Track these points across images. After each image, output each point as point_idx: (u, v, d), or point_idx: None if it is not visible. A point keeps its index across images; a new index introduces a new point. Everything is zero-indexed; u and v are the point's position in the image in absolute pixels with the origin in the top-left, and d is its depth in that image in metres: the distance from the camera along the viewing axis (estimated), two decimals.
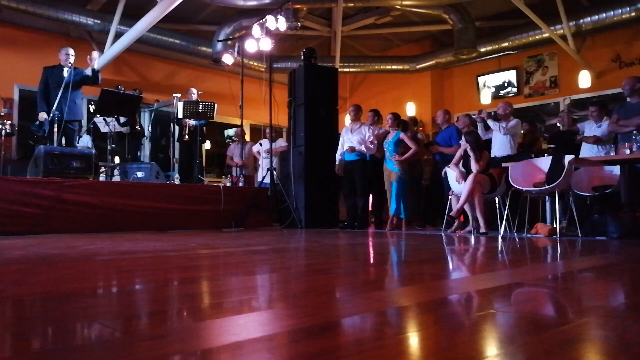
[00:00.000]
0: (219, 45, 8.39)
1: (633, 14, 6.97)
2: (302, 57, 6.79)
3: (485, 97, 9.15)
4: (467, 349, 0.93)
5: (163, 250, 3.03)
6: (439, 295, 1.57)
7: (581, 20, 7.44)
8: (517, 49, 8.46)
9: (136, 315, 1.28)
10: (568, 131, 5.75)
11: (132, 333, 1.05)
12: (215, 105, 6.83)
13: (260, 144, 7.61)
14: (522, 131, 6.39)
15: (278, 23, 6.62)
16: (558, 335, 1.01)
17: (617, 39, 7.88)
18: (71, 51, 5.85)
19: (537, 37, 7.96)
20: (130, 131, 7.37)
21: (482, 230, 4.89)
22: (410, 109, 9.63)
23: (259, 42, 6.82)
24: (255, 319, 1.18)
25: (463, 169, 5.18)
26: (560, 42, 7.74)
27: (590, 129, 5.35)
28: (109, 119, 6.62)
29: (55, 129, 5.45)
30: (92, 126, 7.20)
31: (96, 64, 5.95)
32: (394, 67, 9.61)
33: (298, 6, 7.45)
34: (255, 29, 6.81)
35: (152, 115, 8.18)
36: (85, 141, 7.06)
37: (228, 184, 7.30)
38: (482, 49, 8.47)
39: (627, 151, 4.33)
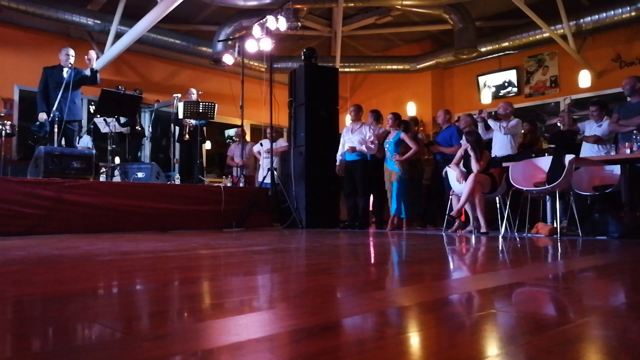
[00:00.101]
0: (219, 46, 8.39)
1: (633, 13, 6.97)
2: (303, 57, 6.80)
3: (486, 97, 9.15)
4: (468, 348, 0.93)
5: (164, 251, 3.03)
6: (439, 295, 1.56)
7: (581, 20, 7.44)
8: (517, 49, 8.46)
9: (137, 315, 1.28)
10: (568, 131, 5.75)
11: (133, 333, 1.05)
12: (216, 105, 6.82)
13: (261, 144, 7.60)
14: (523, 131, 6.38)
15: (278, 23, 6.62)
16: (559, 335, 1.01)
17: (617, 39, 7.89)
18: (71, 51, 5.84)
19: (537, 36, 7.96)
20: (131, 131, 7.37)
21: (483, 230, 4.89)
22: (411, 109, 9.63)
23: (259, 42, 6.83)
24: (256, 319, 1.17)
25: (464, 169, 5.18)
26: (560, 42, 7.74)
27: (591, 128, 5.35)
28: (109, 120, 6.62)
29: (56, 130, 5.45)
30: (92, 126, 7.19)
31: (95, 64, 5.92)
32: (395, 67, 9.61)
33: (298, 6, 7.46)
34: (256, 29, 6.82)
35: (153, 115, 8.18)
36: (85, 141, 7.06)
37: (228, 184, 7.31)
38: (483, 49, 8.47)
39: (628, 151, 4.33)
